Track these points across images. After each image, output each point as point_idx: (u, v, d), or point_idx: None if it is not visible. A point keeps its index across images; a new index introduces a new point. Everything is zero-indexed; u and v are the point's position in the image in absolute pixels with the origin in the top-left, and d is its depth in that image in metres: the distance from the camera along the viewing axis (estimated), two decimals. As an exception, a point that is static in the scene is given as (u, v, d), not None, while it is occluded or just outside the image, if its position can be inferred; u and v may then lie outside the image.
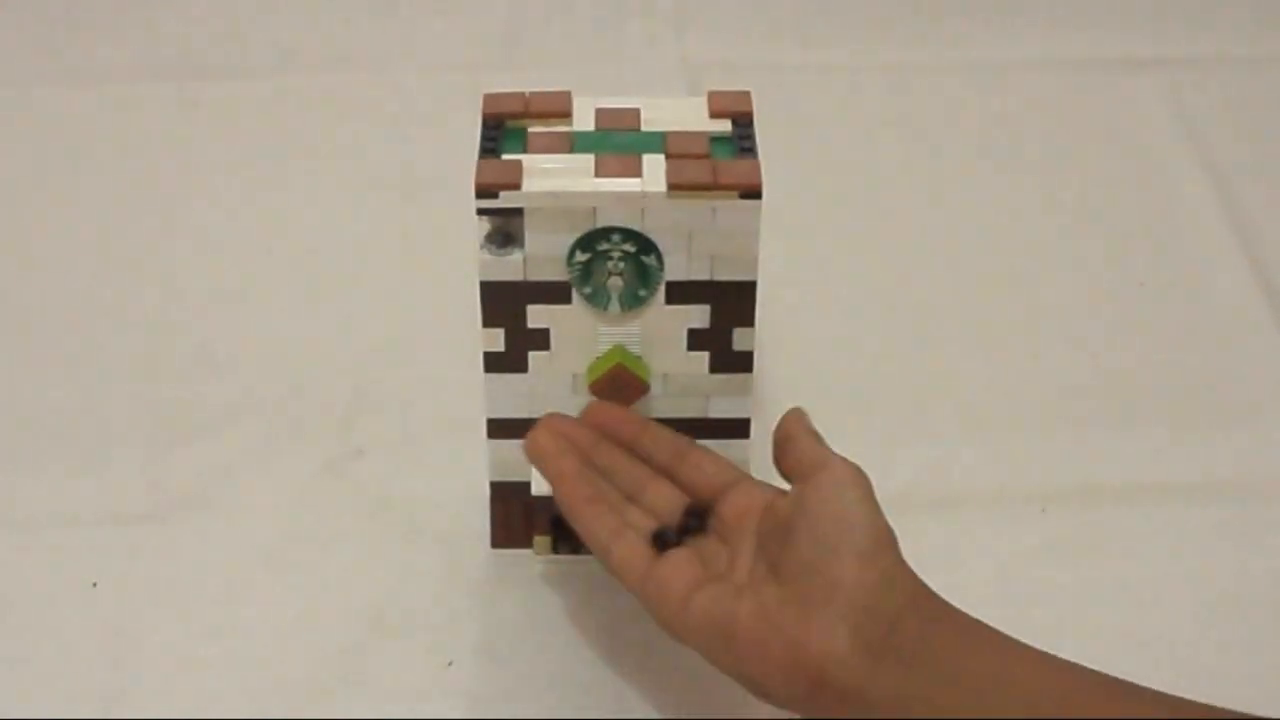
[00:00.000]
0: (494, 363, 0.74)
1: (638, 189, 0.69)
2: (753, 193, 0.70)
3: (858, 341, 0.92)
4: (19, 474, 0.83)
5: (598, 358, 0.74)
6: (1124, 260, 0.98)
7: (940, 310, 0.94)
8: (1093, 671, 0.61)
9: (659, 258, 0.71)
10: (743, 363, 0.74)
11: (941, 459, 0.85)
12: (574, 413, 0.75)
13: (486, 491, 0.77)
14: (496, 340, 0.73)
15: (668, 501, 0.71)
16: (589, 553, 0.71)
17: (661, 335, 0.73)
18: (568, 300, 0.72)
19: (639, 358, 0.74)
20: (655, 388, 0.75)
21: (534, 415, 0.75)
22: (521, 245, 0.71)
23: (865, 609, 0.63)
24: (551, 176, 0.70)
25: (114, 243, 0.99)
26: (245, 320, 0.93)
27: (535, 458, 0.72)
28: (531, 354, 0.74)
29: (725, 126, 0.73)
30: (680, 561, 0.67)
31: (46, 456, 0.84)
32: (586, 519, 0.70)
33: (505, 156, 0.71)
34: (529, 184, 0.70)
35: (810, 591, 0.63)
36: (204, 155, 1.07)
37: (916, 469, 0.84)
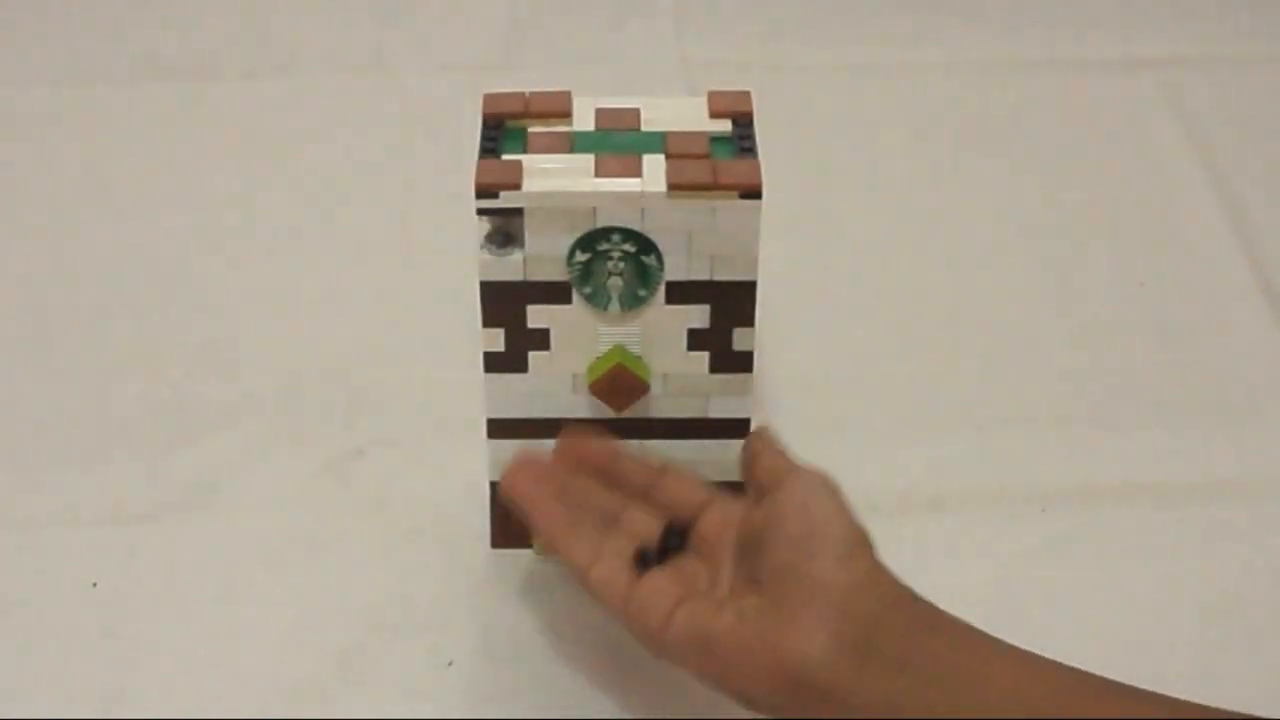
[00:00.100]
0: (494, 363, 0.74)
1: (638, 189, 0.69)
2: (753, 193, 0.70)
3: (858, 341, 0.92)
4: (19, 474, 0.83)
5: (598, 358, 0.74)
6: (1124, 260, 0.98)
7: (940, 310, 0.94)
8: (1080, 671, 0.61)
9: (659, 258, 0.71)
10: (743, 363, 0.74)
11: (941, 459, 0.85)
12: (574, 413, 0.75)
13: (486, 491, 0.77)
14: (496, 340, 0.73)
15: (645, 524, 0.71)
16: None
17: (661, 335, 0.73)
18: (568, 300, 0.72)
19: (639, 358, 0.74)
20: (655, 388, 0.75)
21: (534, 415, 0.75)
22: (521, 245, 0.71)
23: (844, 610, 0.62)
24: (551, 176, 0.70)
25: (114, 242, 0.99)
26: (245, 320, 0.93)
27: (511, 496, 0.72)
28: (531, 354, 0.74)
29: (725, 126, 0.73)
30: (661, 581, 0.67)
31: (46, 456, 0.84)
32: (565, 545, 0.70)
33: (505, 156, 0.71)
34: (529, 184, 0.70)
35: (788, 596, 0.63)
36: (204, 155, 1.07)
37: (916, 469, 0.84)
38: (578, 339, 0.73)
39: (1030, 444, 0.86)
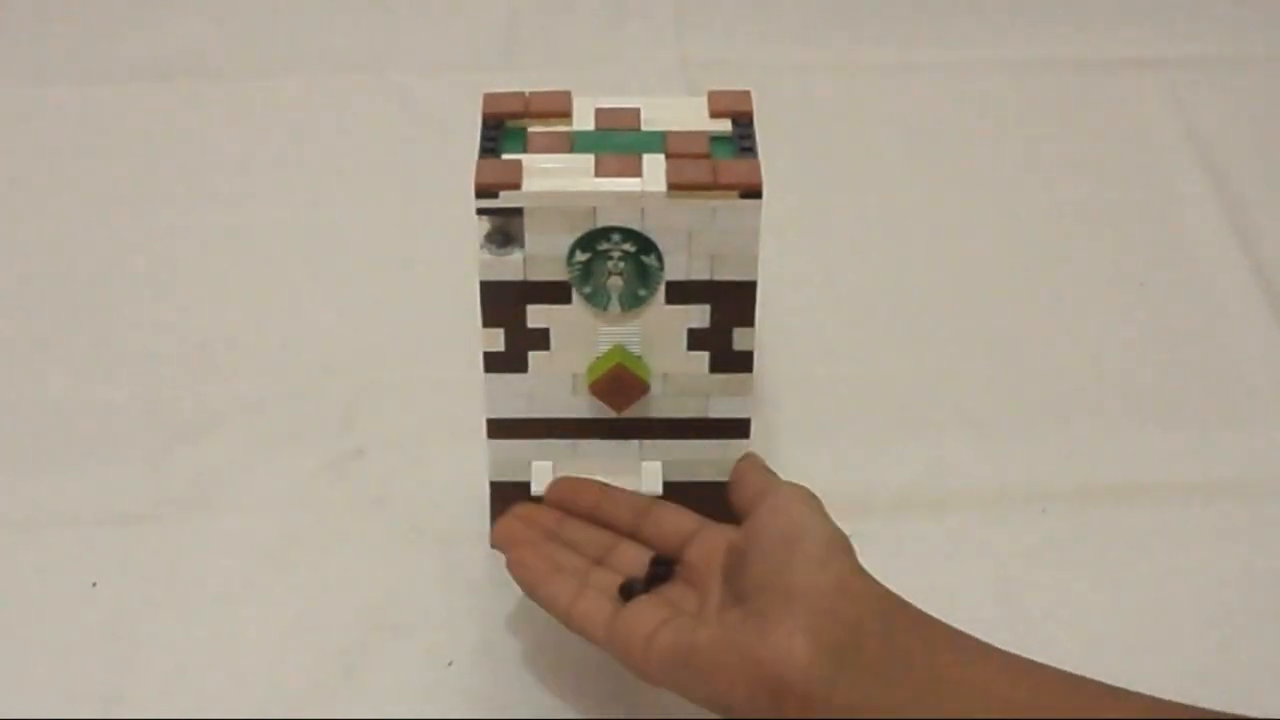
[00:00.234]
0: (494, 363, 0.74)
1: (638, 189, 0.69)
2: (753, 193, 0.70)
3: (858, 341, 0.92)
4: (19, 474, 0.83)
5: (598, 358, 0.74)
6: (1124, 260, 0.98)
7: (940, 310, 0.94)
8: (1069, 674, 0.61)
9: (659, 258, 0.71)
10: (743, 363, 0.74)
11: (941, 459, 0.85)
12: (574, 413, 0.75)
13: (486, 491, 0.77)
14: (496, 340, 0.73)
15: (634, 559, 0.72)
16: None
17: (661, 335, 0.73)
18: (568, 300, 0.72)
19: (639, 358, 0.74)
20: (655, 388, 0.74)
21: (534, 415, 0.75)
22: (521, 245, 0.71)
23: (823, 615, 0.62)
24: (551, 176, 0.70)
25: (114, 242, 0.99)
26: (245, 320, 0.93)
27: (502, 545, 0.73)
28: (531, 354, 0.74)
29: (725, 126, 0.73)
30: (645, 606, 0.67)
31: (46, 456, 0.84)
32: (546, 590, 0.70)
33: (505, 156, 0.71)
34: (529, 184, 0.70)
35: (766, 605, 0.63)
36: (205, 155, 1.07)
37: (916, 469, 0.84)
38: (578, 339, 0.73)
39: (1030, 444, 0.86)
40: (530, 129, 0.73)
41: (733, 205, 0.70)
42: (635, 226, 0.70)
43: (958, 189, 1.04)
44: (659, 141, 0.72)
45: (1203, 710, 0.60)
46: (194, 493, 0.82)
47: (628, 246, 0.70)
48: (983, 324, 0.94)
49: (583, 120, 0.74)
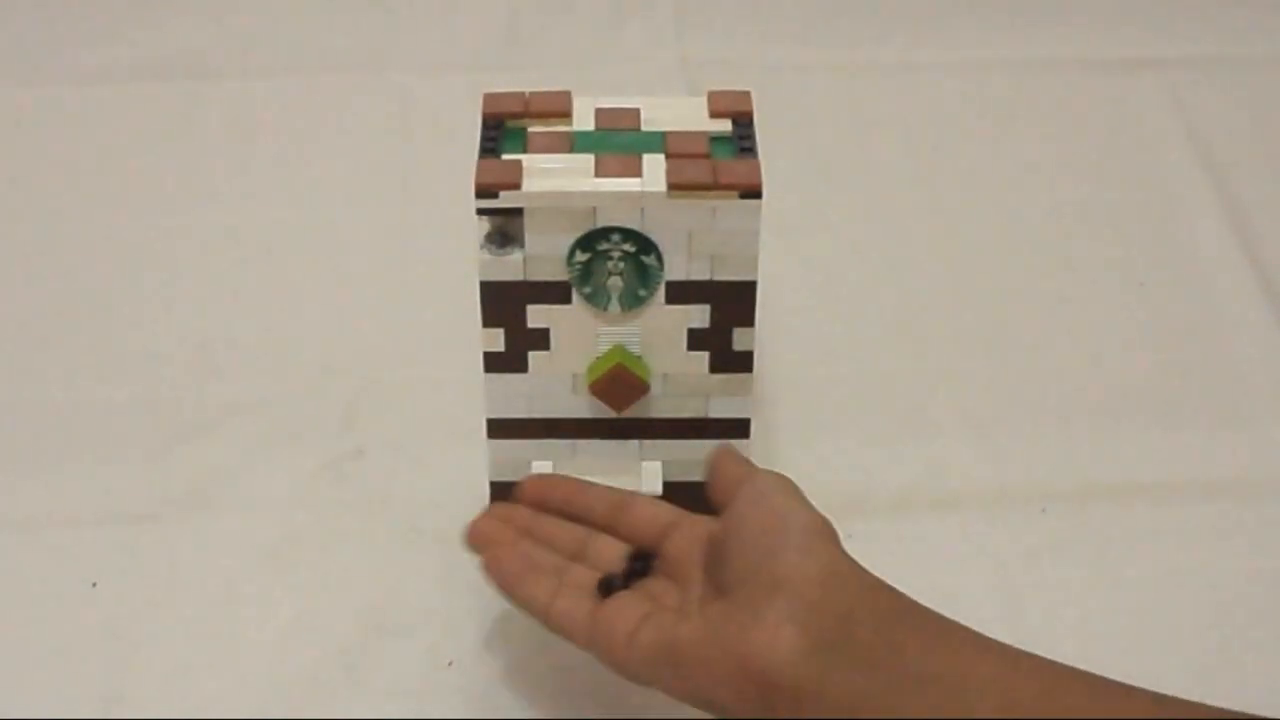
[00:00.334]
0: (494, 363, 0.74)
1: (638, 189, 0.69)
2: (753, 193, 0.70)
3: (858, 341, 0.92)
4: (19, 474, 0.83)
5: (598, 358, 0.74)
6: (1124, 260, 0.98)
7: (940, 310, 0.94)
8: (1072, 669, 0.59)
9: (659, 258, 0.71)
10: (743, 363, 0.74)
11: (941, 459, 0.85)
12: (574, 413, 0.75)
13: (486, 491, 0.77)
14: (496, 340, 0.73)
15: (611, 554, 0.70)
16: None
17: (661, 335, 0.73)
18: (568, 300, 0.72)
19: (639, 358, 0.74)
20: (655, 388, 0.75)
21: (534, 415, 0.75)
22: (521, 245, 0.71)
23: (811, 606, 0.60)
24: (551, 176, 0.70)
25: (114, 242, 0.99)
26: (245, 320, 0.93)
27: (476, 545, 0.71)
28: (531, 354, 0.74)
29: (725, 126, 0.73)
30: (625, 602, 0.66)
31: (46, 456, 0.84)
32: (524, 590, 0.68)
33: (505, 156, 0.71)
34: (529, 184, 0.70)
35: (751, 596, 0.61)
36: (204, 155, 1.07)
37: (916, 469, 0.84)
38: (578, 339, 0.73)
39: (1030, 444, 0.86)
40: (530, 129, 0.73)
41: (733, 205, 0.70)
42: (635, 226, 0.70)
43: (958, 189, 1.04)
44: (659, 141, 0.72)
45: (1209, 708, 0.59)
46: (194, 493, 0.82)
47: (628, 246, 0.70)
48: (983, 324, 0.94)
49: (583, 120, 0.74)
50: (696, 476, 0.75)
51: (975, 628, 0.63)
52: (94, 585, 0.77)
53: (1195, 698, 0.60)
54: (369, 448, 0.85)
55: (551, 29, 1.18)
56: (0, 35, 1.17)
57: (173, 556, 0.79)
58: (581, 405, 0.75)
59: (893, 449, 0.85)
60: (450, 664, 0.74)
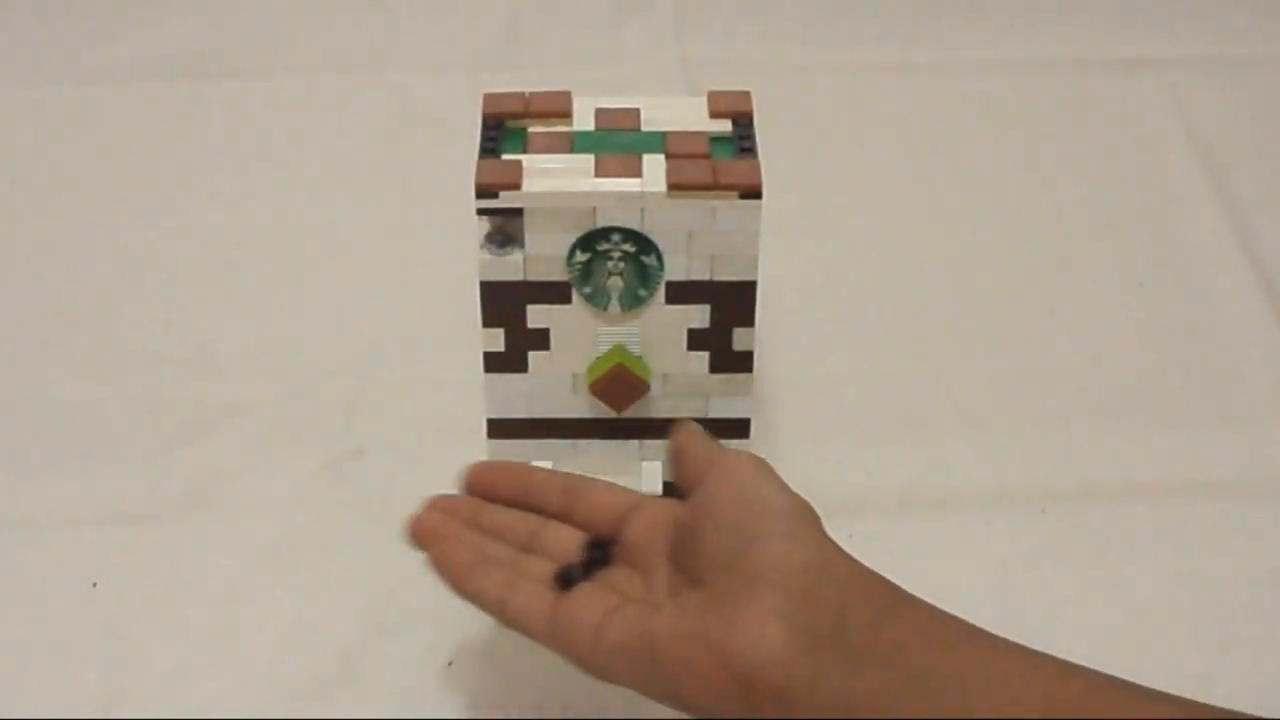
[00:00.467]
0: (494, 363, 0.74)
1: (638, 189, 0.69)
2: (753, 193, 0.70)
3: (858, 342, 0.92)
4: (19, 474, 0.83)
5: (598, 358, 0.74)
6: (1124, 260, 0.98)
7: (940, 310, 0.94)
8: (1081, 668, 0.57)
9: (659, 258, 0.71)
10: (743, 363, 0.74)
11: (941, 459, 0.85)
12: (574, 413, 0.75)
13: (486, 491, 0.77)
14: (496, 340, 0.73)
15: (567, 543, 0.66)
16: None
17: (661, 335, 0.73)
18: (568, 300, 0.72)
19: (639, 358, 0.74)
20: (655, 388, 0.75)
21: (534, 415, 0.75)
22: (521, 245, 0.71)
23: (797, 597, 0.56)
24: (551, 176, 0.70)
25: (114, 242, 0.99)
26: (245, 320, 0.93)
27: (420, 541, 0.67)
28: (531, 354, 0.74)
29: (725, 126, 0.73)
30: (588, 594, 0.62)
31: (46, 456, 0.84)
32: (475, 584, 0.64)
33: (505, 156, 0.71)
34: (529, 184, 0.70)
35: (730, 588, 0.57)
36: (204, 155, 1.07)
37: (916, 469, 0.84)
38: (578, 339, 0.73)
39: (1030, 444, 0.86)
40: (530, 129, 0.73)
41: (733, 205, 0.70)
42: (635, 227, 0.70)
43: (958, 189, 1.04)
44: (659, 142, 0.72)
45: (1219, 709, 0.56)
46: (194, 493, 0.82)
47: (628, 247, 0.70)
48: (983, 324, 0.94)
49: (583, 120, 0.74)
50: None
51: (975, 628, 0.63)
52: (94, 585, 0.77)
53: (1195, 698, 0.60)
54: (369, 448, 0.85)
55: (551, 29, 1.18)
56: (0, 35, 1.17)
57: (173, 556, 0.79)
58: (581, 405, 0.75)
59: (893, 449, 0.85)
60: (450, 664, 0.74)
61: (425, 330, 0.91)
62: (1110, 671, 0.60)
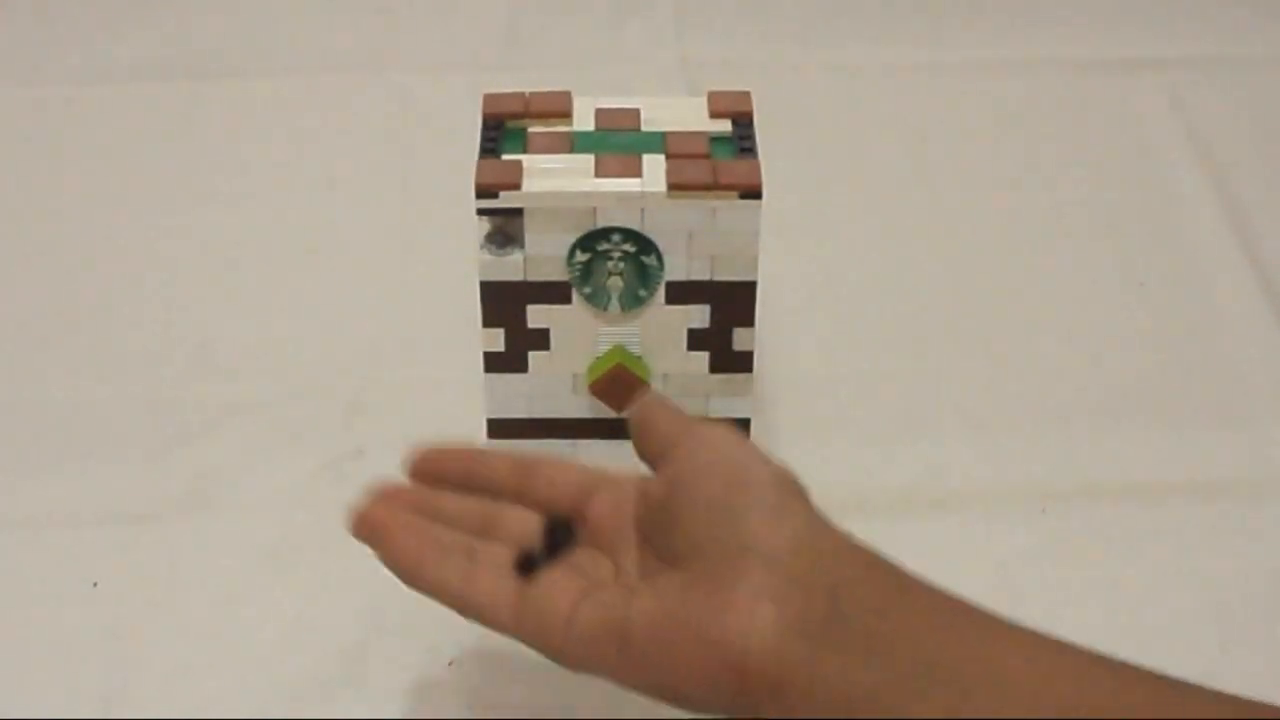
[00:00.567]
0: (494, 363, 0.74)
1: (638, 189, 0.69)
2: (753, 193, 0.70)
3: (857, 341, 0.92)
4: (19, 474, 0.83)
5: (598, 358, 0.74)
6: (1124, 260, 0.98)
7: (940, 310, 0.94)
8: (1106, 658, 0.53)
9: (659, 258, 0.71)
10: (743, 363, 0.74)
11: (941, 459, 0.85)
12: (574, 413, 0.75)
13: (486, 491, 0.77)
14: (496, 340, 0.73)
15: (525, 524, 0.62)
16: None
17: (661, 335, 0.73)
18: (568, 300, 0.72)
19: (639, 358, 0.74)
20: (655, 388, 0.74)
21: (534, 415, 0.75)
22: (521, 245, 0.71)
23: (790, 578, 0.51)
24: (551, 176, 0.70)
25: (114, 242, 0.99)
26: (245, 320, 0.93)
27: (365, 535, 0.63)
28: (531, 354, 0.74)
29: (725, 126, 0.74)
30: (554, 580, 0.58)
31: (46, 456, 0.84)
32: (432, 574, 0.60)
33: (505, 156, 0.71)
34: (529, 184, 0.70)
35: (715, 568, 0.52)
36: (204, 155, 1.07)
37: (916, 469, 0.84)
38: (578, 339, 0.73)
39: (1030, 444, 0.86)
40: (530, 129, 0.73)
41: (733, 205, 0.70)
42: (635, 227, 0.70)
43: (958, 189, 1.04)
44: (659, 142, 0.72)
45: (1255, 704, 0.53)
46: (194, 493, 0.82)
47: (628, 247, 0.70)
48: (983, 324, 0.94)
49: (583, 120, 0.74)
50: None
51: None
52: (94, 585, 0.77)
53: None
54: (369, 448, 0.85)
55: (551, 29, 1.18)
56: (0, 35, 1.17)
57: (173, 556, 0.79)
58: (581, 405, 0.75)
59: (893, 449, 0.85)
60: (450, 664, 0.74)
61: (425, 330, 0.91)
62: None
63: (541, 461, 0.63)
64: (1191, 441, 0.86)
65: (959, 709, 0.49)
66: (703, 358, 0.74)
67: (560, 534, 0.61)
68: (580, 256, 0.71)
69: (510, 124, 0.74)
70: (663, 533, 0.56)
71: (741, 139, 0.72)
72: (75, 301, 0.95)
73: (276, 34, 1.18)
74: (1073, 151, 1.08)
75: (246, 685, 0.73)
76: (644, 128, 0.74)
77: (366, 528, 0.63)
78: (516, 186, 0.70)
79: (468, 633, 0.75)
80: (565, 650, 0.57)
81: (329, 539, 0.80)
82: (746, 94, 0.75)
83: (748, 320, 0.73)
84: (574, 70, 1.11)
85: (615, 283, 0.72)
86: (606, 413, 0.75)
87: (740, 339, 0.74)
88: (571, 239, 0.70)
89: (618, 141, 0.73)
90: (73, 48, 1.16)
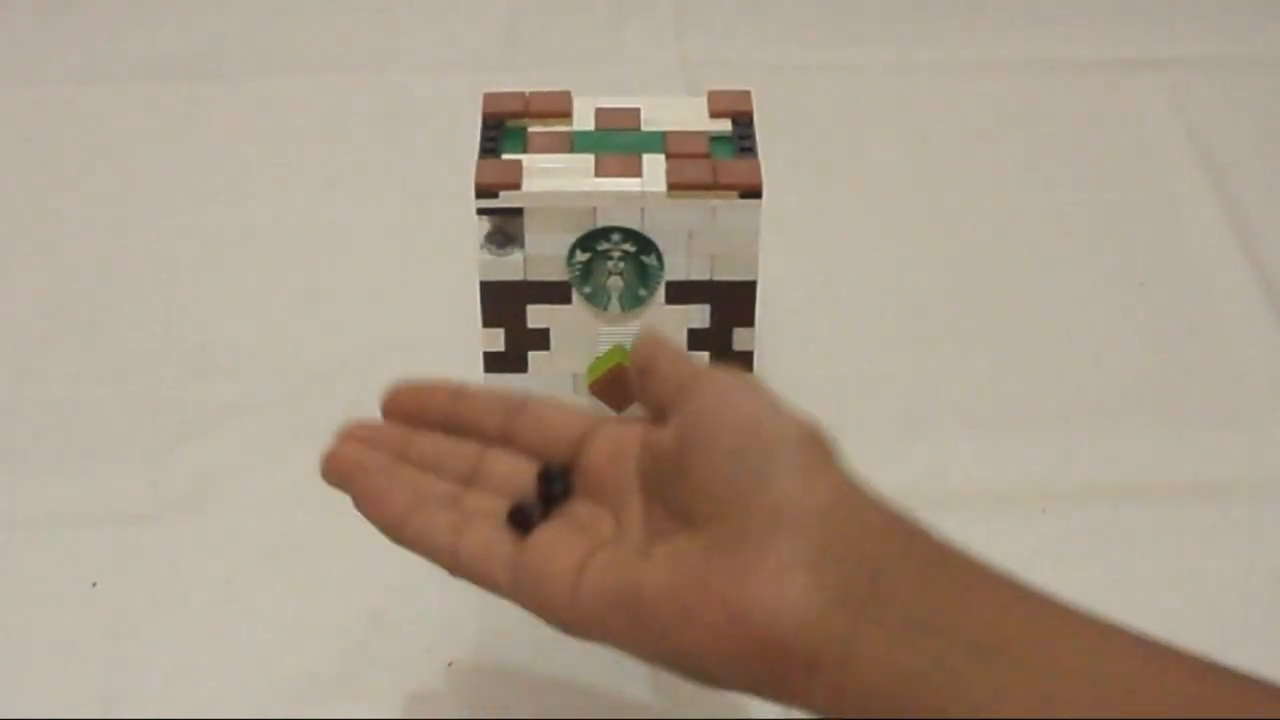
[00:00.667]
0: (494, 363, 0.74)
1: (638, 189, 0.69)
2: (753, 193, 0.70)
3: (858, 341, 0.92)
4: (19, 474, 0.83)
5: (598, 358, 0.74)
6: (1124, 260, 0.98)
7: (940, 310, 0.94)
8: (1146, 636, 0.50)
9: (659, 258, 0.71)
10: (743, 363, 0.74)
11: (941, 459, 0.85)
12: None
13: (486, 491, 0.77)
14: (496, 340, 0.73)
15: (514, 472, 0.57)
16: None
17: (661, 335, 0.73)
18: (568, 300, 0.72)
19: (639, 358, 0.74)
20: (655, 388, 0.75)
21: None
22: (521, 245, 0.71)
23: (824, 544, 0.47)
24: (551, 176, 0.70)
25: (114, 242, 0.99)
26: (245, 320, 0.93)
27: (338, 479, 0.58)
28: (531, 354, 0.74)
29: (725, 126, 0.74)
30: (554, 537, 0.53)
31: (46, 456, 0.84)
32: (417, 527, 0.55)
33: (505, 156, 0.71)
34: (529, 184, 0.70)
35: (739, 530, 0.48)
36: (204, 155, 1.07)
37: (916, 469, 0.84)
38: (578, 339, 0.73)
39: (1030, 444, 0.86)
40: (530, 129, 0.74)
41: (733, 205, 0.70)
42: (635, 226, 0.70)
43: (958, 189, 1.04)
44: (659, 141, 0.72)
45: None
46: (194, 493, 0.82)
47: (628, 246, 0.70)
48: (983, 324, 0.94)
49: (583, 120, 0.74)
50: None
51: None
52: (94, 585, 0.77)
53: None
54: (369, 448, 0.85)
55: (551, 29, 1.18)
56: (0, 35, 1.17)
57: (173, 556, 0.79)
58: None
59: (893, 449, 0.85)
60: (450, 664, 0.74)
61: (425, 330, 0.91)
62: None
63: (529, 401, 0.58)
64: (1191, 441, 0.86)
65: (1014, 691, 0.45)
66: (703, 358, 0.74)
67: (557, 484, 0.56)
68: (580, 256, 0.71)
69: (510, 124, 0.74)
70: (673, 488, 0.51)
71: (741, 139, 0.73)
72: (75, 301, 0.95)
73: (276, 34, 1.18)
74: (1073, 151, 1.08)
75: (246, 685, 0.73)
76: (644, 127, 0.74)
77: (336, 471, 0.57)
78: (516, 186, 0.70)
79: (468, 633, 0.75)
80: (570, 617, 0.52)
81: (329, 539, 0.80)
82: (746, 94, 0.75)
83: (748, 320, 0.73)
84: (574, 70, 1.11)
85: (615, 282, 0.72)
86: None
87: (740, 339, 0.74)
88: (571, 239, 0.70)
89: (618, 141, 0.73)
90: (73, 48, 1.16)
